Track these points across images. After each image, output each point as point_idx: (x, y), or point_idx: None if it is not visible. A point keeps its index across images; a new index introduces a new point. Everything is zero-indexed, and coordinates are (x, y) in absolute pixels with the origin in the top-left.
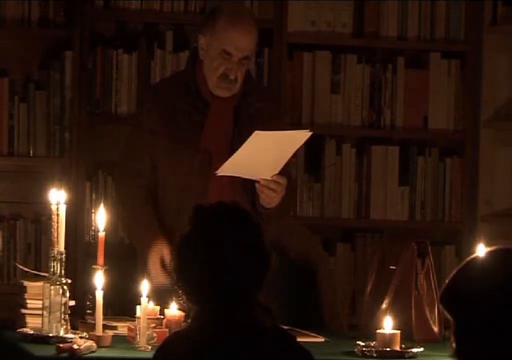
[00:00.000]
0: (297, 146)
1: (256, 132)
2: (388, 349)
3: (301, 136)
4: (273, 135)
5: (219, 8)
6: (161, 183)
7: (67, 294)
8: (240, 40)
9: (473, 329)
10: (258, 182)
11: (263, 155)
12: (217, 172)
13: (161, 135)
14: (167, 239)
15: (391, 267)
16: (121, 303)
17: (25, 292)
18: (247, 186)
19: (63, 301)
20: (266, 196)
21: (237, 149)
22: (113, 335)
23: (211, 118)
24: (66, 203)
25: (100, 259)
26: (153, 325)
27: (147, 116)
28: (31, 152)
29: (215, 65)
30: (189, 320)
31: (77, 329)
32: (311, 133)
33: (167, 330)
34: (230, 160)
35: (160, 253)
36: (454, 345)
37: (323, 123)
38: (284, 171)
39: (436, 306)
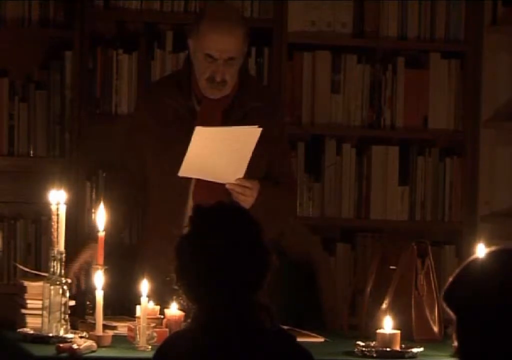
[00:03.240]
0: (253, 145)
1: (197, 127)
2: (388, 349)
3: (252, 133)
4: (216, 130)
5: (203, 12)
6: (149, 181)
7: (67, 294)
8: (220, 42)
9: (475, 327)
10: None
11: (217, 154)
12: (178, 173)
13: (152, 134)
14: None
15: (391, 267)
16: (121, 303)
17: (25, 292)
18: None
19: (63, 301)
20: (236, 198)
21: None
22: (113, 335)
23: (200, 118)
24: (66, 203)
25: (100, 259)
26: (153, 325)
27: (139, 116)
28: (31, 152)
29: (202, 68)
30: (189, 320)
31: (77, 329)
32: (260, 129)
33: (167, 330)
34: (184, 159)
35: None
36: (456, 342)
37: (323, 123)
38: (283, 172)
39: (436, 306)
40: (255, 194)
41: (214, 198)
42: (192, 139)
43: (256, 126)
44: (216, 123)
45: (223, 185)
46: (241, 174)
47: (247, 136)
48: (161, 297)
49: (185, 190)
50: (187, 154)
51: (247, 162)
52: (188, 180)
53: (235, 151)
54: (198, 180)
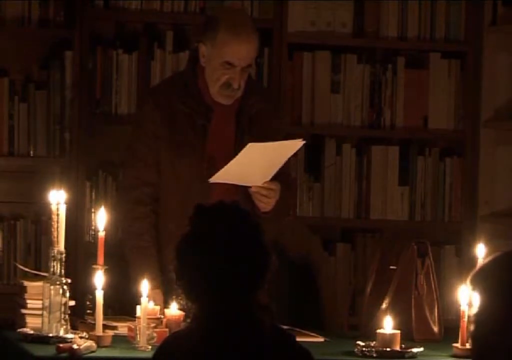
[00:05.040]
0: (289, 155)
1: (250, 144)
2: (388, 349)
3: (294, 145)
4: (266, 146)
5: (218, 17)
6: (163, 188)
7: (67, 294)
8: (242, 51)
9: (485, 328)
10: (250, 188)
11: (256, 164)
12: (209, 179)
13: (165, 140)
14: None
15: (391, 267)
16: (121, 303)
17: (25, 292)
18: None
19: (63, 301)
20: (259, 201)
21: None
22: (113, 335)
23: (214, 122)
24: (66, 203)
25: (100, 259)
26: (153, 325)
27: (150, 121)
28: (31, 152)
29: (218, 75)
30: (188, 320)
31: (77, 329)
32: (304, 142)
33: (167, 330)
34: (223, 169)
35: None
36: (472, 326)
37: (323, 123)
38: (283, 172)
39: (436, 306)
40: (278, 195)
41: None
42: (241, 153)
43: (300, 139)
44: (230, 126)
45: (241, 189)
46: (268, 178)
47: (288, 148)
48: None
49: (205, 196)
50: (229, 165)
51: (278, 168)
52: (207, 186)
53: (271, 160)
54: (217, 185)
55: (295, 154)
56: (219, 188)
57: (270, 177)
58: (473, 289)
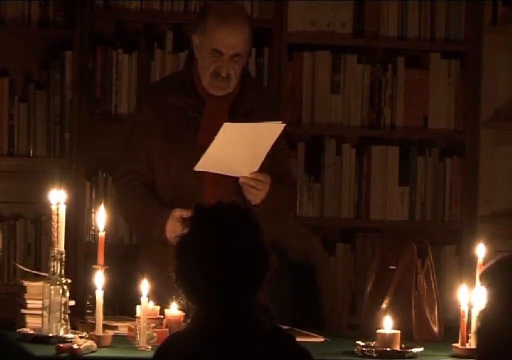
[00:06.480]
0: (273, 140)
1: (225, 123)
2: (388, 349)
3: (275, 128)
4: (243, 126)
5: (208, 8)
6: (157, 182)
7: (67, 294)
8: (228, 37)
9: (500, 311)
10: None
11: (239, 149)
12: (194, 168)
13: (158, 135)
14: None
15: (391, 267)
16: (121, 303)
17: (25, 292)
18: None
19: (63, 301)
20: (248, 193)
21: None
22: (113, 335)
23: (206, 116)
24: (66, 203)
25: (100, 259)
26: (153, 325)
27: (143, 117)
28: (31, 152)
29: (207, 63)
30: (189, 320)
31: (77, 329)
32: (284, 125)
33: (167, 330)
34: (205, 154)
35: (173, 215)
36: (478, 324)
37: (323, 123)
38: (285, 171)
39: (436, 306)
40: (267, 188)
41: (224, 196)
42: (218, 134)
43: (280, 122)
44: (223, 120)
45: (233, 182)
46: (256, 168)
47: (269, 131)
48: (161, 297)
49: (197, 189)
50: (209, 149)
51: (264, 156)
52: (199, 179)
53: (255, 146)
54: (208, 178)
55: (295, 154)
56: (211, 181)
57: (257, 167)
58: (484, 284)
